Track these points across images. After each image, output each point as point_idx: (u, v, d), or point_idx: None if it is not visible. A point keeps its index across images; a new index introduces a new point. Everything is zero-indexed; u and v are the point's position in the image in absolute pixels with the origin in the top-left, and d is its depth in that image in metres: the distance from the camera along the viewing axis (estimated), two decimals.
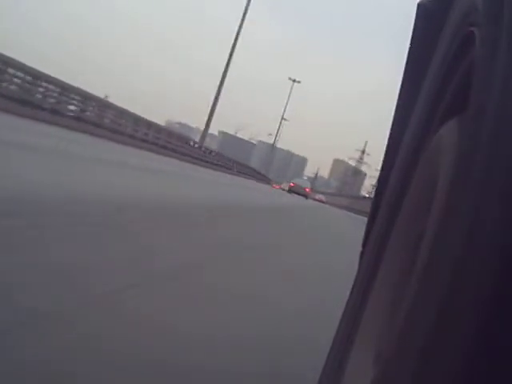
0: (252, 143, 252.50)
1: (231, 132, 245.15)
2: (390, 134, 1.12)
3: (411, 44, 1.08)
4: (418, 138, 0.94)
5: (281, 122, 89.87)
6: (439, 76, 0.89)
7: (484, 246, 0.45)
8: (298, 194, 48.72)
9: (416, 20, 1.08)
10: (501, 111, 0.49)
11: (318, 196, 77.55)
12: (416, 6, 1.08)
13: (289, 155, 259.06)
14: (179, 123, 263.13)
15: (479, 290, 0.44)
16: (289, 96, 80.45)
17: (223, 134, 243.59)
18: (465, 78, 0.77)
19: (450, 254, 0.50)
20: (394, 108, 1.11)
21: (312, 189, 59.30)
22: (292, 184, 53.00)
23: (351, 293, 1.11)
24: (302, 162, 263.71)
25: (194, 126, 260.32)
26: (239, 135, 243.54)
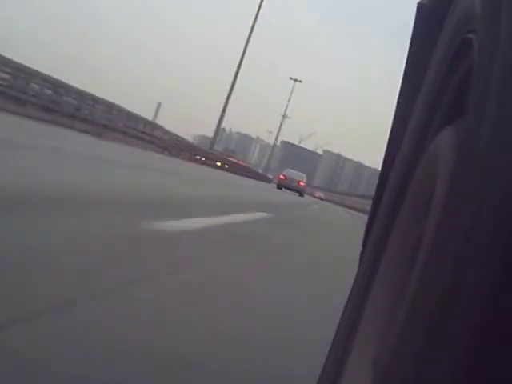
0: (317, 154, 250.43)
1: (294, 142, 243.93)
2: (391, 134, 1.18)
3: (411, 45, 1.15)
4: (418, 139, 0.99)
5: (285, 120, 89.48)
6: (438, 80, 0.93)
7: (484, 246, 0.47)
8: (290, 189, 39.20)
9: (416, 20, 1.16)
10: (499, 117, 0.52)
11: (317, 193, 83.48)
12: (416, 6, 1.16)
13: (359, 167, 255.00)
14: (238, 133, 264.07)
15: (479, 290, 0.46)
16: (290, 94, 76.93)
17: (285, 143, 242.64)
18: (463, 82, 0.81)
19: (449, 254, 0.53)
20: (394, 108, 1.19)
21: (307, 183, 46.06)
22: (282, 176, 41.00)
23: (351, 293, 1.16)
24: (376, 174, 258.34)
25: (253, 135, 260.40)
26: (303, 145, 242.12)
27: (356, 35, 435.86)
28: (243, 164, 62.69)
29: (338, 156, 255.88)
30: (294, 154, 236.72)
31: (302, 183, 39.78)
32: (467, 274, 0.48)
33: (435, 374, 0.49)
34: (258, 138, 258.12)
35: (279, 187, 39.01)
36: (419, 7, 1.14)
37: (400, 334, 0.66)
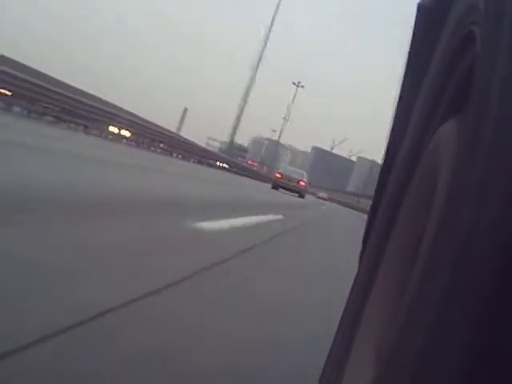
0: (351, 160, 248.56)
1: (326, 148, 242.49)
2: (391, 133, 1.21)
3: (411, 44, 1.18)
4: (419, 137, 1.02)
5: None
6: (439, 75, 0.97)
7: (484, 245, 0.48)
8: (288, 189, 33.55)
9: (416, 20, 1.19)
10: (501, 110, 0.53)
11: (320, 194, 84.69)
12: (416, 6, 1.20)
13: None
14: (268, 139, 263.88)
15: (479, 289, 0.47)
16: (293, 99, 72.06)
17: (317, 150, 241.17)
18: (465, 76, 0.84)
19: (449, 254, 0.54)
20: (394, 107, 1.23)
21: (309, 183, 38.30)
22: (278, 175, 35.11)
23: (351, 292, 1.19)
24: None
25: (285, 143, 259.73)
26: (335, 151, 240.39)
27: (373, 34, 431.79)
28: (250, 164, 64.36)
29: (373, 163, 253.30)
30: (325, 161, 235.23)
31: (301, 183, 34.01)
32: (467, 273, 0.50)
33: (435, 373, 0.51)
34: (289, 145, 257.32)
35: (275, 187, 33.76)
36: (419, 7, 1.18)
37: (400, 332, 0.68)
